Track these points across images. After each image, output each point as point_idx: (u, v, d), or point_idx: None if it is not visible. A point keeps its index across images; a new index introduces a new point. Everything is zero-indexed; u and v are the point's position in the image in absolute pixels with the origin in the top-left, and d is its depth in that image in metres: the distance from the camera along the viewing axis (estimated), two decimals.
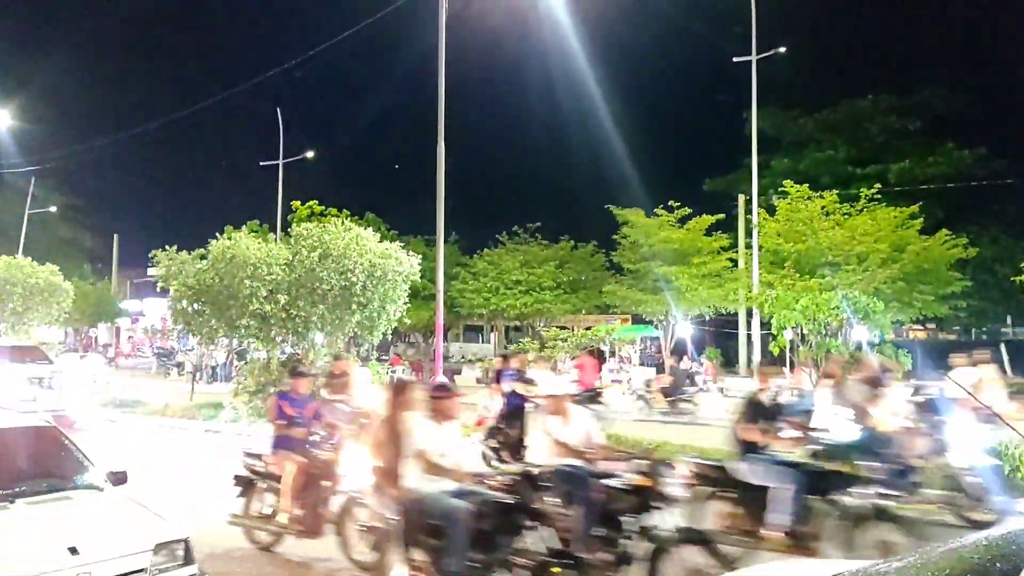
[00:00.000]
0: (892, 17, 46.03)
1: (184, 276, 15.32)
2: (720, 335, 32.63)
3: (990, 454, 7.88)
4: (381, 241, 16.09)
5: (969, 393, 6.80)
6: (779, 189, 22.46)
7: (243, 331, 15.24)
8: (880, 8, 47.13)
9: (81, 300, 32.53)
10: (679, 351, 28.88)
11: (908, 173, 31.94)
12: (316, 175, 48.72)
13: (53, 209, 43.34)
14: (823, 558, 5.42)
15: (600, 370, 18.46)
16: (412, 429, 5.43)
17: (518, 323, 37.14)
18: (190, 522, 6.41)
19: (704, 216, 28.12)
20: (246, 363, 18.85)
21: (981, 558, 1.81)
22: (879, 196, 21.75)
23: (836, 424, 6.99)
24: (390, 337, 19.11)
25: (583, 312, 34.90)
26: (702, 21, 48.38)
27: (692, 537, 5.35)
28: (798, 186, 21.65)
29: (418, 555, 5.17)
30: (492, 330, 41.55)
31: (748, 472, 6.30)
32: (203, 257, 15.79)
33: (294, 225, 17.21)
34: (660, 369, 27.79)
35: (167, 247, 16.03)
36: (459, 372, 28.15)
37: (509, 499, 5.36)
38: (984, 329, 35.77)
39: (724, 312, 28.32)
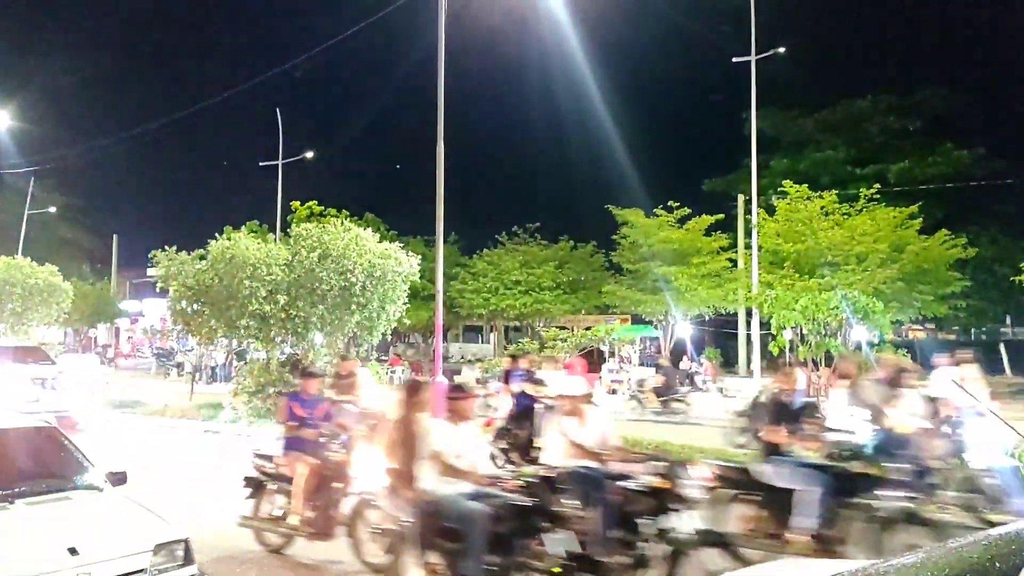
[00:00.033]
0: (892, 17, 46.08)
1: (183, 276, 15.32)
2: (720, 335, 32.65)
3: (1008, 455, 7.78)
4: (380, 241, 16.09)
5: (968, 393, 6.78)
6: (778, 189, 22.45)
7: (242, 331, 15.24)
8: (880, 8, 47.17)
9: (80, 300, 32.51)
10: (678, 351, 28.91)
11: (907, 173, 31.97)
12: (316, 175, 48.87)
13: (52, 209, 43.32)
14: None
15: (589, 371, 18.43)
16: (428, 430, 5.38)
17: (518, 323, 37.15)
18: (192, 523, 6.41)
19: (703, 216, 28.13)
20: (245, 363, 18.86)
21: (981, 557, 1.81)
22: (878, 196, 21.75)
23: (852, 425, 6.89)
24: (390, 337, 19.12)
25: (583, 312, 34.90)
26: (701, 21, 48.45)
27: (711, 539, 5.28)
28: (797, 186, 21.65)
29: (434, 558, 5.11)
30: (492, 330, 41.55)
31: (773, 474, 6.20)
32: (202, 257, 15.79)
33: (293, 225, 17.21)
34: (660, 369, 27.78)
35: (166, 247, 16.03)
36: (459, 372, 28.12)
37: (527, 501, 5.29)
38: (983, 329, 35.81)
39: (724, 312, 28.33)
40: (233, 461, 11.96)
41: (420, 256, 16.69)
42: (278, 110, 35.59)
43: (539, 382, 9.66)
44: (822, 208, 21.24)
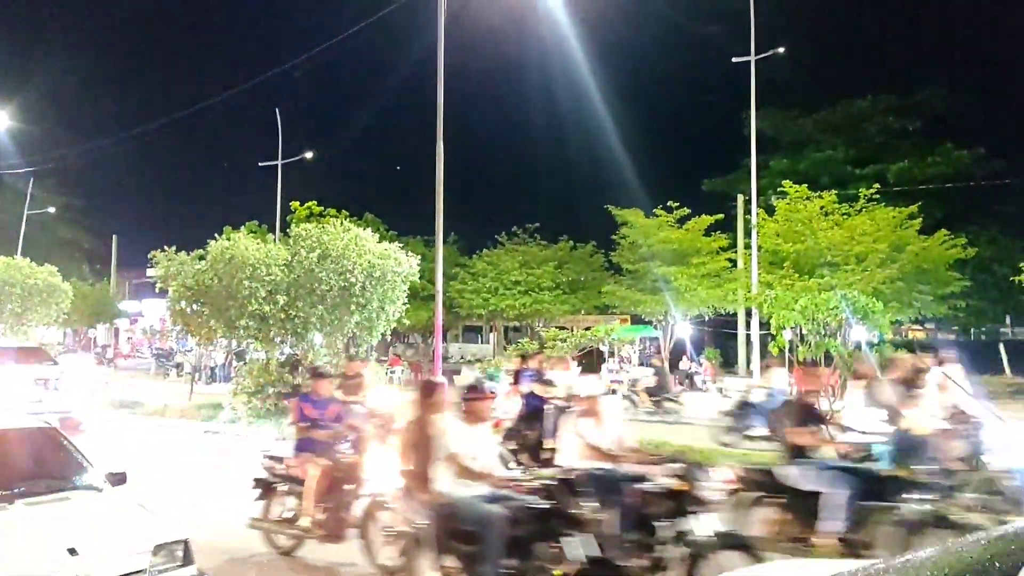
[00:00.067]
0: (891, 17, 46.14)
1: (183, 277, 15.32)
2: (719, 335, 32.65)
3: None
4: (380, 242, 16.08)
5: (966, 391, 6.75)
6: (778, 189, 22.46)
7: (242, 332, 15.23)
8: (879, 8, 47.24)
9: (80, 301, 32.50)
10: (678, 352, 28.91)
11: (907, 173, 31.99)
12: (315, 176, 48.83)
13: (52, 210, 43.32)
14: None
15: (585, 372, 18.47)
16: (443, 432, 5.31)
17: (517, 324, 37.15)
18: (192, 523, 6.38)
19: (703, 216, 28.12)
20: (245, 364, 18.86)
21: (980, 557, 1.81)
22: (878, 196, 21.76)
23: (869, 426, 6.77)
24: (389, 338, 19.12)
25: (582, 312, 34.90)
26: (701, 21, 48.45)
27: (731, 542, 5.18)
28: (797, 186, 21.66)
29: (450, 561, 5.05)
30: (491, 331, 41.55)
31: (798, 477, 6.08)
32: (202, 258, 15.78)
33: (293, 226, 17.20)
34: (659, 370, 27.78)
35: (166, 248, 16.01)
36: (458, 372, 28.11)
37: (545, 504, 5.21)
38: (983, 329, 35.83)
39: (723, 312, 28.33)
40: (233, 461, 11.97)
41: (420, 256, 16.68)
42: (277, 110, 35.64)
43: (549, 382, 9.51)
44: (822, 208, 21.24)
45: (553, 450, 8.71)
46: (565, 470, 5.62)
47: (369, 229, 16.57)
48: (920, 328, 35.84)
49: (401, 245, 16.44)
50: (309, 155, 36.90)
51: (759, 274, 23.03)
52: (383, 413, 7.32)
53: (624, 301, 30.13)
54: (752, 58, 24.97)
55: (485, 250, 36.25)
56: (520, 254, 34.38)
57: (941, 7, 46.71)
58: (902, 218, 21.88)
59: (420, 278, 16.95)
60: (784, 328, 14.60)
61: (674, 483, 5.39)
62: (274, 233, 31.78)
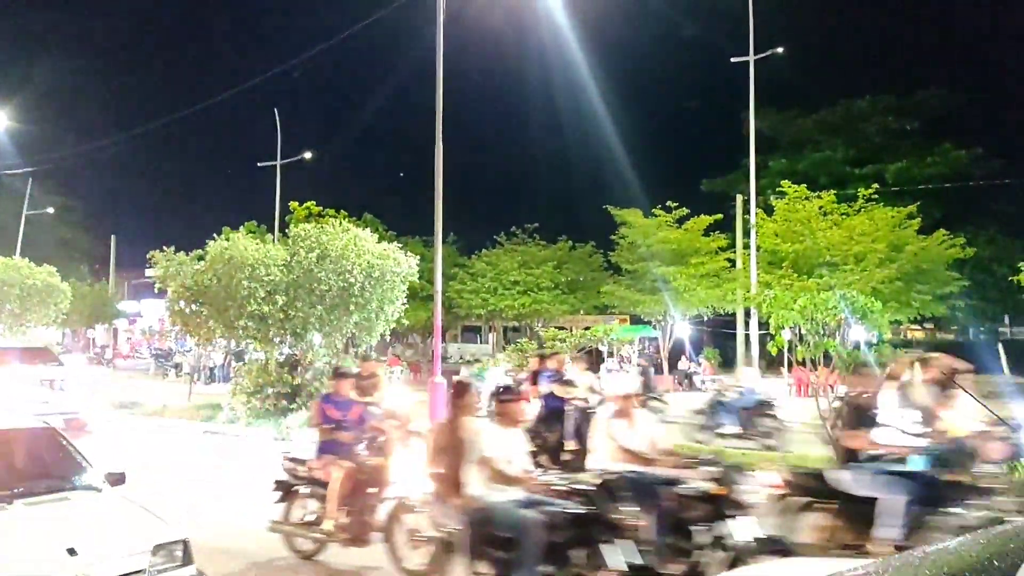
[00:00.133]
0: (890, 17, 46.12)
1: (182, 277, 15.32)
2: (718, 335, 32.64)
3: None
4: (379, 242, 16.09)
5: (966, 392, 6.69)
6: (777, 189, 22.46)
7: (241, 332, 15.24)
8: (878, 8, 47.25)
9: (79, 301, 32.49)
10: (677, 351, 28.92)
11: (906, 173, 32.00)
12: (314, 176, 48.83)
13: (50, 210, 43.28)
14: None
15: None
16: (476, 434, 5.19)
17: (516, 324, 37.15)
18: (202, 524, 6.37)
19: (702, 216, 28.11)
20: (244, 364, 18.84)
21: (980, 556, 1.82)
22: (877, 196, 21.76)
23: (903, 428, 6.44)
24: (388, 338, 19.11)
25: (581, 312, 34.90)
26: (700, 21, 48.47)
27: (772, 547, 5.02)
28: (796, 186, 21.67)
29: (484, 568, 4.94)
30: (490, 331, 41.56)
31: (852, 482, 5.84)
32: (201, 258, 15.78)
33: (292, 226, 17.20)
34: (659, 369, 27.78)
35: (165, 248, 16.02)
36: (457, 373, 28.11)
37: (582, 509, 5.07)
38: (982, 329, 35.83)
39: (722, 312, 28.33)
40: (232, 461, 11.98)
41: (419, 256, 16.68)
42: (276, 110, 35.59)
43: (569, 383, 9.41)
44: (820, 208, 21.24)
45: (574, 452, 8.65)
46: (601, 473, 5.49)
47: (368, 229, 16.58)
48: (919, 328, 35.84)
49: (400, 245, 16.44)
50: (308, 155, 36.89)
51: (758, 274, 23.02)
52: (400, 414, 7.25)
53: (623, 301, 30.13)
54: (751, 58, 24.96)
55: (484, 250, 36.25)
56: (519, 254, 34.37)
57: (940, 7, 46.77)
58: (901, 218, 21.89)
59: (419, 278, 16.96)
60: (783, 328, 14.59)
61: (711, 487, 5.28)
62: (273, 233, 31.74)
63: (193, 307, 15.65)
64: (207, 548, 5.73)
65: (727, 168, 37.04)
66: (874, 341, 15.67)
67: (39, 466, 5.37)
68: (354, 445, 6.78)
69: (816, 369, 12.99)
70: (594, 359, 24.67)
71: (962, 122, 34.62)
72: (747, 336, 26.97)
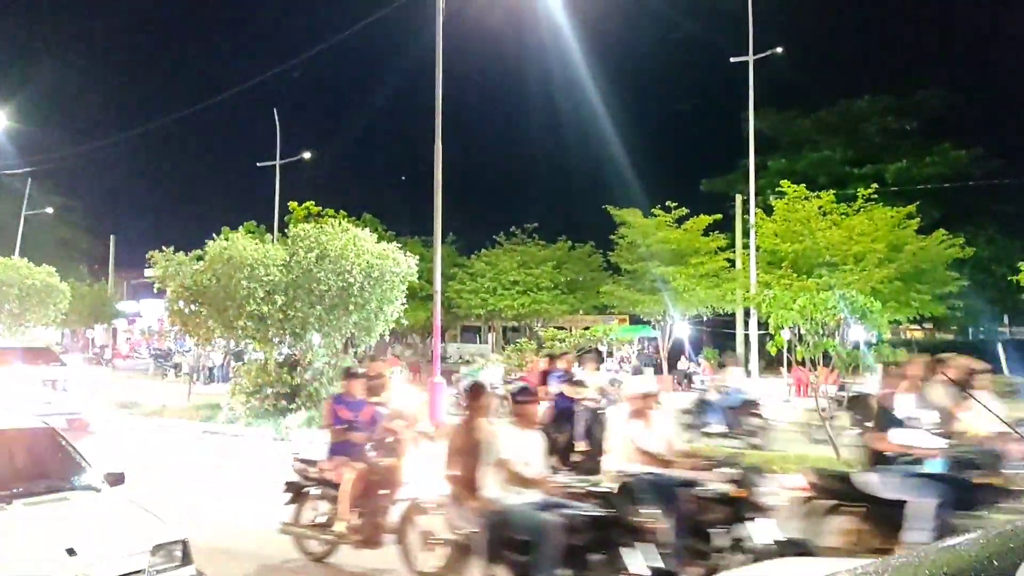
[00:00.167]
0: (890, 17, 46.14)
1: (181, 277, 15.31)
2: (718, 335, 32.65)
3: None
4: (378, 242, 16.08)
5: (965, 390, 6.65)
6: (776, 189, 22.49)
7: (240, 332, 15.23)
8: (877, 8, 47.23)
9: (78, 301, 32.46)
10: (676, 351, 28.92)
11: (905, 173, 32.03)
12: (313, 176, 48.70)
13: (50, 210, 43.24)
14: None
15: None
16: (493, 436, 5.14)
17: (516, 324, 37.14)
18: (202, 524, 6.35)
19: (701, 216, 28.14)
20: (243, 364, 18.83)
21: (979, 555, 1.81)
22: (876, 196, 21.79)
23: (920, 430, 6.33)
24: (387, 338, 19.11)
25: (581, 312, 34.90)
26: (699, 22, 48.49)
27: (792, 550, 4.93)
28: (795, 186, 21.69)
29: (501, 571, 4.89)
30: (490, 331, 41.55)
31: (879, 484, 5.74)
32: (200, 258, 15.78)
33: (291, 226, 17.20)
34: (658, 369, 27.80)
35: (164, 248, 16.01)
36: (456, 373, 28.04)
37: (601, 512, 5.00)
38: (981, 329, 35.83)
39: (722, 312, 28.35)
40: (232, 461, 11.99)
41: (418, 256, 16.67)
42: (275, 110, 35.59)
43: (579, 383, 9.34)
44: (820, 208, 21.27)
45: (584, 452, 8.62)
46: (619, 475, 5.43)
47: (367, 229, 16.58)
48: (918, 328, 35.85)
49: (399, 245, 16.44)
50: (307, 155, 36.90)
51: (757, 274, 23.05)
52: (407, 414, 7.20)
53: (622, 301, 30.14)
54: (750, 58, 24.98)
55: (483, 250, 36.23)
56: (518, 254, 34.37)
57: (940, 7, 46.77)
58: (900, 218, 21.91)
59: (418, 278, 16.96)
60: (782, 328, 14.59)
61: (731, 489, 5.23)
62: (272, 233, 31.74)
63: (192, 307, 15.64)
64: (207, 548, 5.72)
65: (726, 168, 37.08)
66: (873, 341, 15.69)
67: (38, 466, 5.36)
68: (366, 446, 6.73)
69: (816, 369, 12.99)
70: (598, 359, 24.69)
71: (961, 122, 34.66)
72: (746, 336, 27.00)
